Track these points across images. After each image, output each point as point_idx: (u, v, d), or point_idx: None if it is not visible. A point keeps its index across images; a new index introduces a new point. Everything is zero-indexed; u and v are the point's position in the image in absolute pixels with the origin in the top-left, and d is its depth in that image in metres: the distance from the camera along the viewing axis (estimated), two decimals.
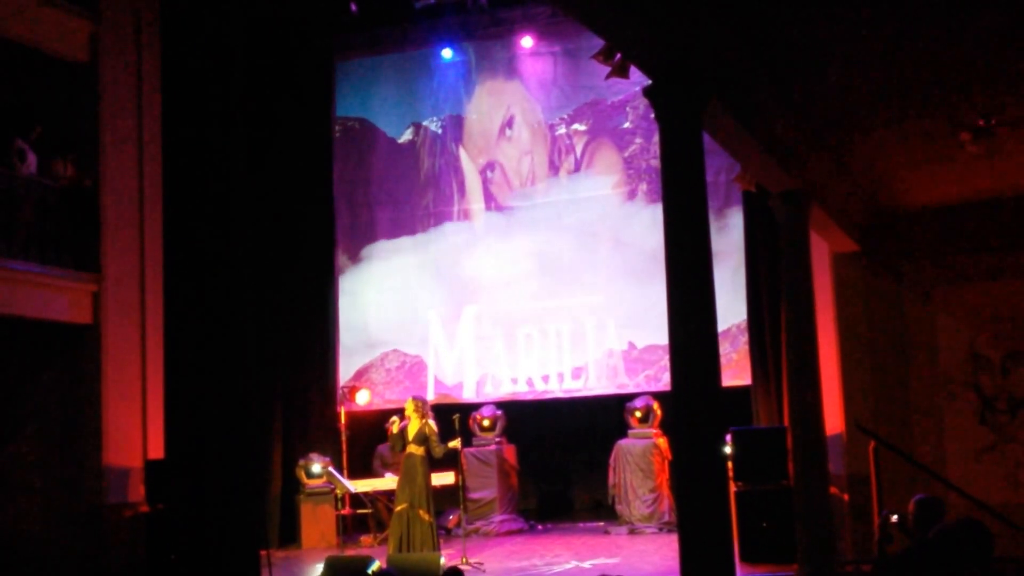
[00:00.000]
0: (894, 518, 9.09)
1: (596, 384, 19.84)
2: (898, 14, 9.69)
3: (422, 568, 14.21)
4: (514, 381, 20.15)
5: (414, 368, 20.60)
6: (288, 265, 20.11)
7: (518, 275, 20.22)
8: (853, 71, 10.94)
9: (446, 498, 17.92)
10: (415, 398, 15.98)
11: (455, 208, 20.83)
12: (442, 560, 14.40)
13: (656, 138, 12.39)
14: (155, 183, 16.55)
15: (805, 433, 12.99)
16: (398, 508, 15.41)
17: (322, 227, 20.66)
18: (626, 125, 20.01)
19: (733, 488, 14.93)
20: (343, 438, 18.29)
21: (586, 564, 15.47)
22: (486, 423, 19.56)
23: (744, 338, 18.42)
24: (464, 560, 14.93)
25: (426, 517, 15.22)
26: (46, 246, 16.04)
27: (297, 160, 20.34)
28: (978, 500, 13.74)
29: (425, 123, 21.08)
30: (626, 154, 20.00)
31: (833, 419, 15.31)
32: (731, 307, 18.07)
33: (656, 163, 17.63)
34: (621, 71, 10.86)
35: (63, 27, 16.55)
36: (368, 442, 19.85)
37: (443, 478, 16.96)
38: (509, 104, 20.75)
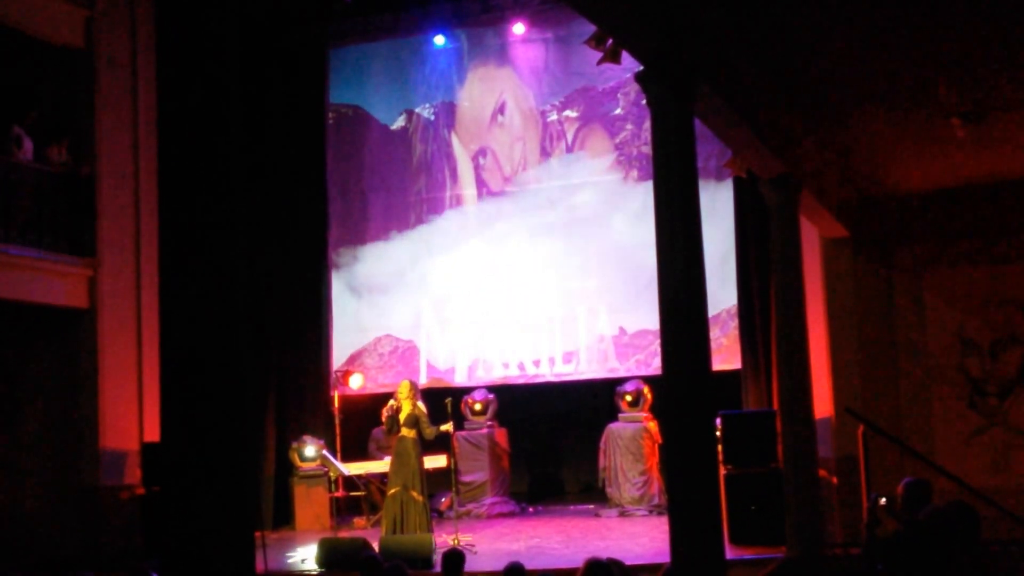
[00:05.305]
0: (883, 501, 9.16)
1: (587, 368, 19.90)
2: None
3: (415, 549, 14.34)
4: (505, 365, 20.21)
5: (407, 352, 20.67)
6: (282, 250, 20.19)
7: (509, 260, 20.27)
8: (844, 56, 11.02)
9: (438, 481, 17.99)
10: (408, 381, 16.11)
11: (447, 194, 20.88)
12: (434, 542, 14.55)
13: (647, 124, 12.50)
14: (150, 168, 16.65)
15: (795, 417, 13.09)
16: (391, 491, 15.52)
17: (315, 212, 20.72)
18: (617, 111, 20.06)
19: (723, 471, 15.02)
20: (337, 421, 18.38)
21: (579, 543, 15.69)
22: (478, 407, 19.63)
23: (734, 323, 18.50)
24: (456, 541, 15.02)
25: (419, 498, 15.33)
26: (42, 231, 16.14)
27: (291, 146, 20.42)
28: (966, 483, 13.83)
29: (417, 110, 21.10)
30: (617, 140, 20.04)
31: (822, 403, 15.42)
32: (721, 292, 18.16)
33: (647, 149, 17.68)
34: (613, 57, 10.94)
35: (58, 13, 16.63)
36: (361, 426, 19.94)
37: (435, 461, 17.04)
38: (501, 91, 20.78)
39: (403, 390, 15.73)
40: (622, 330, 19.61)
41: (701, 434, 9.64)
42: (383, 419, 15.90)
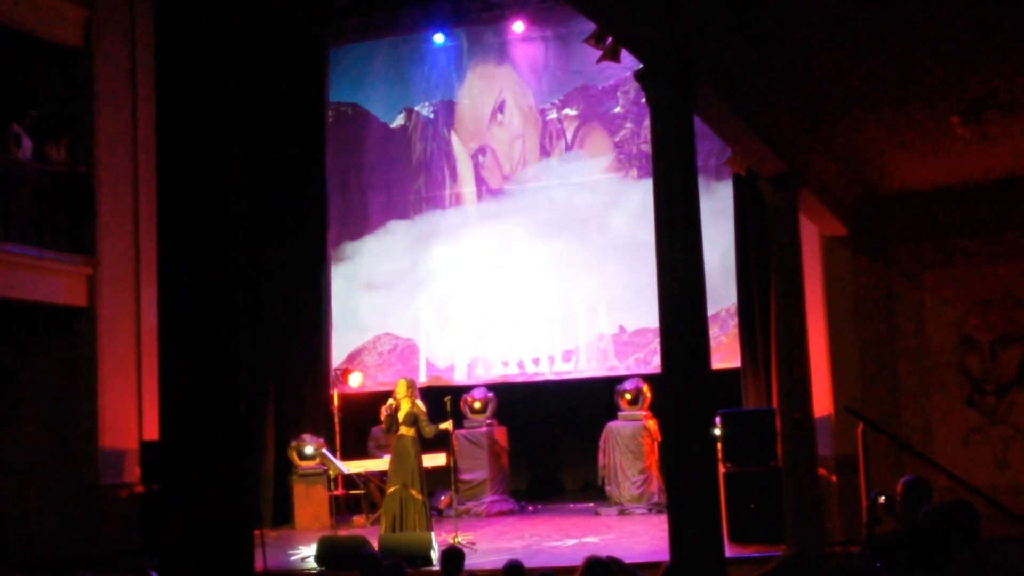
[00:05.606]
0: (882, 499, 9.17)
1: (586, 367, 19.91)
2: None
3: (414, 547, 14.33)
4: (505, 364, 20.22)
5: (406, 351, 20.68)
6: (281, 249, 20.17)
7: (509, 259, 20.28)
8: (844, 55, 11.01)
9: (438, 479, 18.02)
10: (406, 379, 16.10)
11: (447, 192, 20.89)
12: (434, 540, 14.54)
13: (647, 122, 12.50)
14: (149, 167, 16.65)
15: (794, 415, 13.08)
16: (391, 489, 15.52)
17: (315, 211, 20.73)
18: (617, 110, 20.07)
19: (722, 469, 15.02)
20: (336, 420, 18.38)
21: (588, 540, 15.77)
22: (477, 405, 19.65)
23: (734, 321, 18.50)
24: (456, 540, 15.03)
25: (418, 497, 15.34)
26: (42, 230, 16.14)
27: (290, 145, 20.41)
28: (965, 482, 13.84)
29: (417, 108, 21.12)
30: (617, 138, 20.05)
31: (822, 401, 15.41)
32: (721, 291, 18.17)
33: (647, 147, 17.70)
34: (612, 55, 10.92)
35: (58, 12, 16.62)
36: (361, 424, 19.96)
37: (435, 459, 17.05)
38: (500, 89, 20.79)
39: (401, 389, 15.73)
40: (621, 328, 19.62)
41: (700, 432, 9.64)
42: (382, 418, 15.90)
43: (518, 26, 20.37)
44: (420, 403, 15.70)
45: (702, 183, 12.09)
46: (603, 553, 8.89)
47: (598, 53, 10.98)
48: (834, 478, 15.75)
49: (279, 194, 20.18)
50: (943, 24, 10.26)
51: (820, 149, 13.66)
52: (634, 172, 19.75)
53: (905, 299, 16.42)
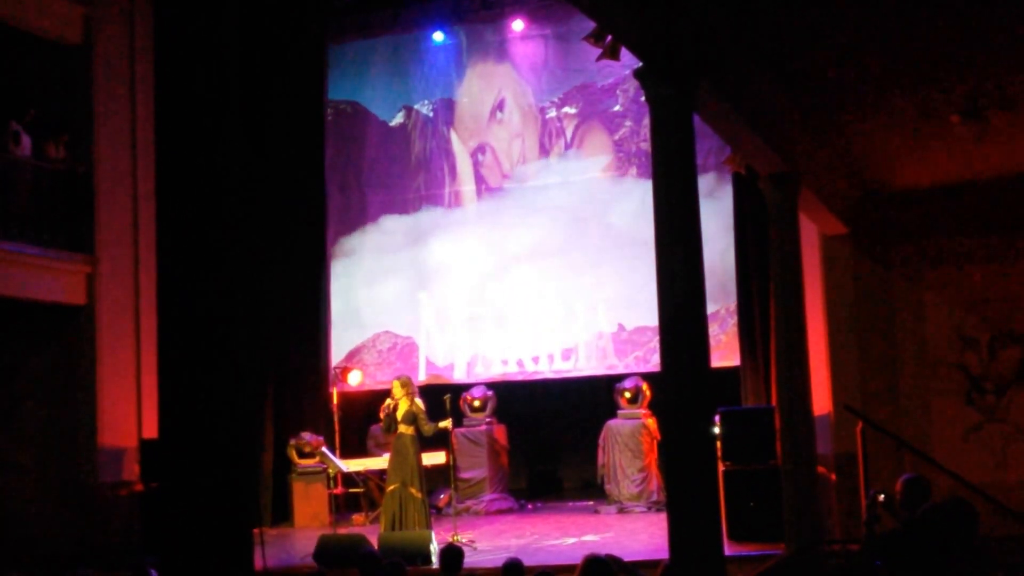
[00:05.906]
0: (881, 497, 9.16)
1: (586, 365, 19.91)
2: None
3: (414, 545, 14.33)
4: (504, 362, 20.23)
5: (405, 349, 20.68)
6: (280, 247, 20.13)
7: (509, 257, 20.28)
8: (844, 53, 10.99)
9: (437, 478, 18.02)
10: (400, 378, 16.06)
11: (446, 191, 20.88)
12: (433, 538, 14.53)
13: (646, 121, 12.50)
14: (149, 165, 16.63)
15: (793, 413, 13.07)
16: (390, 488, 15.51)
17: (314, 209, 20.70)
18: (616, 108, 20.06)
19: (721, 468, 15.01)
20: (335, 418, 18.38)
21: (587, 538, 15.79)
22: (477, 403, 19.64)
23: (733, 320, 18.50)
24: (456, 538, 15.02)
25: (418, 495, 15.33)
26: (41, 228, 16.13)
27: (290, 143, 20.36)
28: (965, 480, 13.83)
29: (416, 106, 21.11)
30: (616, 137, 20.05)
31: (821, 399, 15.39)
32: (720, 289, 18.18)
33: (646, 146, 17.70)
34: (612, 53, 10.92)
35: (56, 9, 16.60)
36: (360, 422, 19.95)
37: (434, 458, 17.04)
38: (500, 87, 20.79)
39: (397, 388, 15.67)
40: (621, 327, 19.63)
41: (700, 431, 9.64)
42: (381, 418, 15.88)
43: (518, 24, 20.38)
44: (419, 401, 15.69)
45: (702, 182, 12.07)
46: (602, 551, 8.90)
47: (597, 51, 10.98)
48: (833, 476, 15.73)
49: (279, 193, 20.14)
50: (943, 23, 10.25)
51: (820, 148, 13.64)
52: (633, 171, 19.75)
53: (905, 298, 16.40)
